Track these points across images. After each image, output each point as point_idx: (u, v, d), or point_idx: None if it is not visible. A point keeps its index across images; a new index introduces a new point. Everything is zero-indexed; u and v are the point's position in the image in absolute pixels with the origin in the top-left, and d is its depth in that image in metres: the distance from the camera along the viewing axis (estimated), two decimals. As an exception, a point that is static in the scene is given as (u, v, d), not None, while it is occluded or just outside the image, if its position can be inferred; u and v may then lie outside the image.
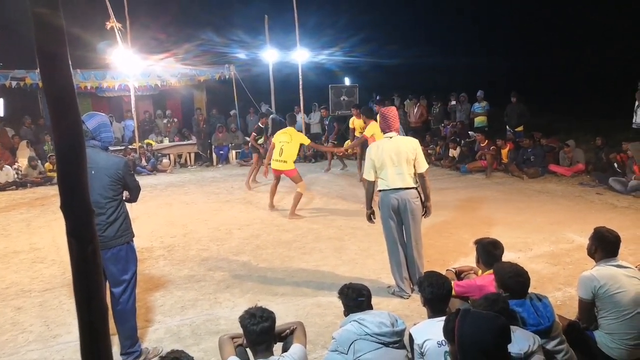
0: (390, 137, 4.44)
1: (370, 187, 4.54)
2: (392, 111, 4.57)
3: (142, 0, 16.33)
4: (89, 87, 13.26)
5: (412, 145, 4.41)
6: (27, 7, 1.35)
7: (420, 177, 4.45)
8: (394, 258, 4.48)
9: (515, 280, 2.83)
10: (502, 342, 2.06)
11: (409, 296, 4.42)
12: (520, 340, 2.43)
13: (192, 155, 13.98)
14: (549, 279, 4.70)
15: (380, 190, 4.47)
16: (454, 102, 14.64)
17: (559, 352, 2.71)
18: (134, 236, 3.61)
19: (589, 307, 3.06)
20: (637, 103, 10.02)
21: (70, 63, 1.46)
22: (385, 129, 4.50)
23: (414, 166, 4.39)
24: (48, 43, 1.40)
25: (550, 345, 2.70)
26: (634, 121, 10.10)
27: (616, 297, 2.95)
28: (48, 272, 5.51)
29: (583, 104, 15.39)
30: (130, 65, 11.98)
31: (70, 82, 1.49)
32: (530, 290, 2.89)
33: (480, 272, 3.53)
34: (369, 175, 4.48)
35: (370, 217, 4.67)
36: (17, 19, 14.29)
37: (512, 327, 2.38)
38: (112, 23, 10.30)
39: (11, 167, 11.27)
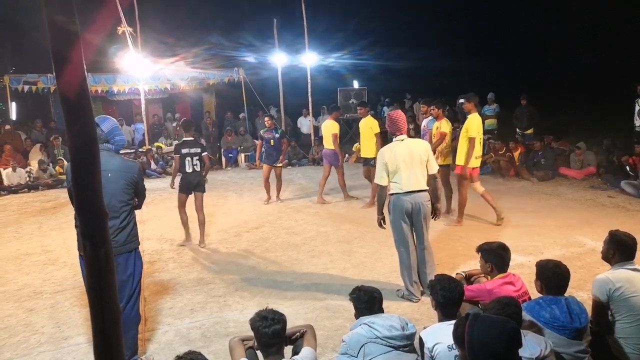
0: (402, 140, 4.44)
1: (383, 191, 4.48)
2: (400, 114, 4.57)
3: (152, 5, 16.48)
4: (99, 91, 13.43)
5: (424, 147, 4.45)
6: (44, 14, 1.37)
7: (432, 178, 4.49)
8: (405, 262, 4.46)
9: (554, 272, 2.86)
10: (512, 346, 2.04)
11: (419, 300, 4.41)
12: (532, 344, 2.41)
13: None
14: (560, 283, 4.65)
15: (392, 194, 4.43)
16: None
17: (580, 358, 2.69)
18: (139, 244, 3.60)
19: (602, 310, 3.03)
20: (637, 107, 9.91)
21: (85, 68, 1.48)
22: (396, 132, 4.49)
23: (426, 168, 4.42)
24: (63, 49, 1.42)
25: (573, 349, 2.68)
26: (636, 125, 9.99)
27: (631, 301, 2.92)
28: (59, 274, 5.56)
29: (592, 107, 15.26)
30: (141, 69, 12.08)
31: (85, 87, 1.50)
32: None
33: (489, 276, 3.51)
34: (381, 179, 4.42)
35: (381, 222, 4.59)
36: (29, 24, 14.49)
37: (523, 331, 2.36)
38: (124, 28, 10.40)
39: (23, 169, 11.41)
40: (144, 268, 5.60)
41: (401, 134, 4.47)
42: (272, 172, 8.76)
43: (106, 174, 3.15)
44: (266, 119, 9.00)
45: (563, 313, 2.71)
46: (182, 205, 6.44)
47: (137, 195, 3.55)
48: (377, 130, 8.00)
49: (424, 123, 8.00)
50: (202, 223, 6.46)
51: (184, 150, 6.25)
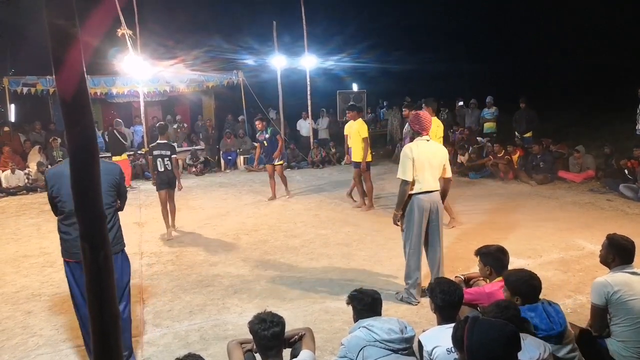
0: (427, 140, 4.44)
1: (407, 187, 4.32)
2: (428, 115, 4.55)
3: (151, 8, 16.50)
4: (98, 93, 13.43)
5: (445, 152, 4.52)
6: (44, 17, 1.37)
7: (447, 182, 4.54)
8: (415, 263, 4.42)
9: (528, 284, 2.84)
10: (511, 350, 2.05)
11: (418, 302, 4.40)
12: (531, 348, 2.41)
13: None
14: (559, 286, 4.66)
15: (413, 194, 4.34)
16: (461, 103, 14.59)
17: (571, 359, 2.69)
18: (125, 245, 3.60)
19: (601, 314, 3.03)
20: (639, 110, 9.91)
21: (85, 71, 1.48)
22: (422, 131, 4.42)
23: (443, 171, 4.48)
24: (64, 52, 1.42)
25: (562, 352, 2.68)
26: (637, 128, 10.00)
27: (629, 304, 2.92)
28: (58, 276, 5.54)
29: (590, 110, 15.31)
30: (140, 71, 12.09)
31: (85, 89, 1.50)
32: (540, 297, 2.88)
33: (488, 279, 3.51)
34: (406, 174, 4.29)
35: (399, 219, 4.44)
36: (28, 26, 14.51)
37: (522, 335, 2.36)
38: (123, 30, 10.41)
39: (22, 171, 11.40)
40: (142, 270, 5.63)
41: (426, 133, 4.44)
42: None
43: None
44: (257, 122, 9.23)
45: (543, 320, 2.70)
46: (163, 201, 7.09)
47: (120, 197, 3.55)
48: (365, 134, 7.93)
49: (405, 127, 7.97)
50: (172, 211, 7.18)
51: (156, 152, 6.96)
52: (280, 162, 9.09)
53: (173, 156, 7.01)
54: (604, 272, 3.24)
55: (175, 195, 7.43)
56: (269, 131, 9.03)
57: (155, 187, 7.14)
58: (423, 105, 7.15)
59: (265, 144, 8.98)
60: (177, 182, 7.13)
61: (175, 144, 12.76)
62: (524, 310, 2.74)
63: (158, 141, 7.08)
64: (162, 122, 8.41)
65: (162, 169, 6.95)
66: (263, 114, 15.38)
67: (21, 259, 6.29)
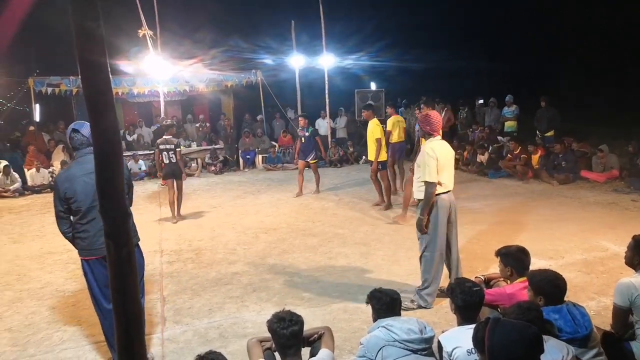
0: (441, 139, 4.41)
1: (434, 189, 4.15)
2: (437, 114, 4.51)
3: (171, 8, 16.68)
4: (120, 93, 13.65)
5: (453, 152, 4.50)
6: (70, 20, 1.40)
7: None
8: (439, 265, 4.33)
9: (552, 285, 2.79)
10: (533, 352, 2.01)
11: (431, 306, 4.33)
12: (553, 350, 2.37)
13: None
14: (582, 288, 4.57)
15: (436, 194, 4.23)
16: (481, 101, 14.41)
17: None
18: (139, 239, 3.64)
19: (623, 314, 2.97)
20: None
21: (109, 71, 1.51)
22: (434, 132, 4.36)
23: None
24: (89, 53, 1.45)
25: (587, 356, 2.63)
26: None
27: None
28: (81, 272, 5.63)
29: (614, 108, 14.98)
30: (160, 71, 12.25)
31: (109, 89, 1.54)
32: (564, 298, 2.84)
33: (509, 280, 3.47)
34: (432, 176, 4.13)
35: (426, 225, 4.22)
36: (52, 28, 14.79)
37: (545, 337, 2.32)
38: (144, 31, 10.57)
39: (46, 170, 11.65)
40: (163, 268, 5.70)
41: (438, 134, 4.40)
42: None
43: None
44: (300, 119, 9.73)
45: (567, 322, 2.65)
46: (169, 189, 7.95)
47: (129, 189, 3.58)
48: (378, 135, 7.92)
49: (416, 127, 7.90)
50: (179, 200, 8.05)
51: (162, 147, 7.84)
52: (315, 160, 9.52)
53: (177, 149, 7.84)
54: (629, 274, 3.17)
55: (194, 194, 7.56)
56: (309, 130, 9.45)
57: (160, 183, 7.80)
58: (422, 105, 7.07)
59: (302, 141, 9.42)
60: (182, 174, 7.98)
61: (182, 140, 13.11)
62: (548, 312, 2.69)
63: (164, 137, 7.96)
64: (167, 121, 9.23)
65: (167, 161, 7.82)
66: (281, 114, 15.48)
67: (46, 255, 6.44)
